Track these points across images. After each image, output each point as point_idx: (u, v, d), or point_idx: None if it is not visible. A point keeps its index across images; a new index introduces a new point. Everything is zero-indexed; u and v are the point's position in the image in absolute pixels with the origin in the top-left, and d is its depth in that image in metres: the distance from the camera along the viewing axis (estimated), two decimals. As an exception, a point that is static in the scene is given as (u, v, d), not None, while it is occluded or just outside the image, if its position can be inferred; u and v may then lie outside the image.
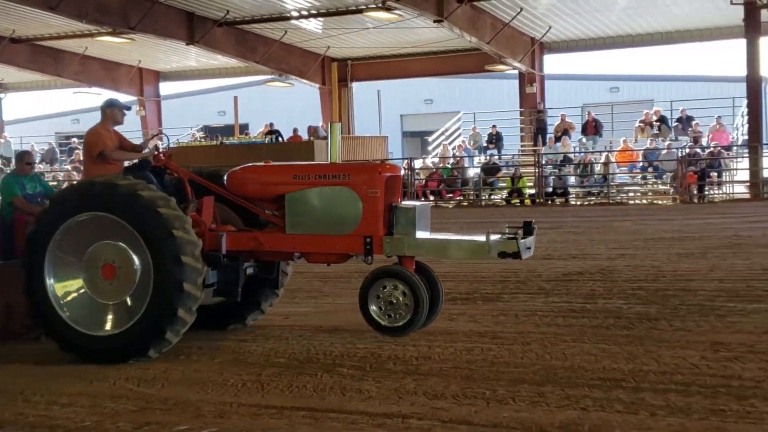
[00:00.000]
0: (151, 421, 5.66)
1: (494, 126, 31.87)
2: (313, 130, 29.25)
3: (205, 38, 28.69)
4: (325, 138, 27.80)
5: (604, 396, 5.79)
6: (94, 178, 7.58)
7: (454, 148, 31.36)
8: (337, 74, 34.57)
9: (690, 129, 28.23)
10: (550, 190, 27.02)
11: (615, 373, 6.35)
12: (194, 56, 34.34)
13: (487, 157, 29.93)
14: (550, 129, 30.83)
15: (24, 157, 10.22)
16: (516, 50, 29.92)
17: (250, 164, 8.20)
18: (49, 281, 7.39)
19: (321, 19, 28.59)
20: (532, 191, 26.96)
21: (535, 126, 31.14)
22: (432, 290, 7.59)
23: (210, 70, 38.03)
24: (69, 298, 7.45)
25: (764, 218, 17.28)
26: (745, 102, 26.22)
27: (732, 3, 24.32)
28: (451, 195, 29.29)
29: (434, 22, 25.33)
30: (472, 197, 28.62)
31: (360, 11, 26.36)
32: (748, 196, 24.29)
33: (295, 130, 31.09)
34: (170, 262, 6.99)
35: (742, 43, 24.95)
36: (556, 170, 27.79)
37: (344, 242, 7.52)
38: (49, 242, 7.36)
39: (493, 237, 7.30)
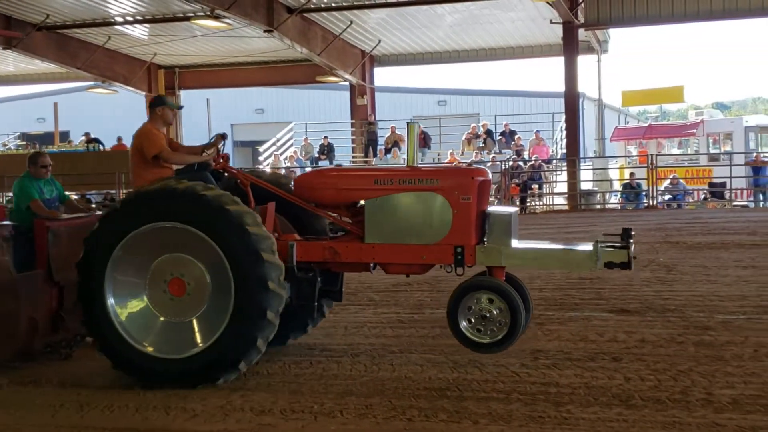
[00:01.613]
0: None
1: (326, 137, 31.99)
2: (139, 139, 28.35)
3: (24, 42, 27.34)
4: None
5: (429, 406, 5.90)
6: (172, 183, 6.75)
7: (285, 159, 31.24)
8: (164, 82, 33.72)
9: (513, 142, 29.31)
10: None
11: (440, 382, 6.49)
12: (12, 61, 32.66)
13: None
14: (381, 141, 31.27)
15: (38, 160, 9.03)
16: (347, 62, 30.17)
17: (322, 168, 7.65)
18: (110, 300, 6.66)
19: (147, 25, 27.78)
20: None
21: (366, 137, 31.48)
22: (524, 301, 6.96)
23: (29, 75, 36.19)
24: (132, 319, 6.71)
25: (581, 229, 18.10)
26: (563, 117, 27.40)
27: (551, 22, 25.45)
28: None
29: (264, 32, 25.12)
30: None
31: (187, 19, 25.82)
32: (566, 207, 25.40)
33: (119, 139, 30.12)
34: (256, 288, 6.42)
35: (560, 60, 26.11)
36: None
37: (431, 252, 6.86)
38: (111, 255, 6.64)
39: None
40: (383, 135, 31.46)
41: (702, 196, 26.70)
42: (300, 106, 43.56)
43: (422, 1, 25.46)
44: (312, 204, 7.33)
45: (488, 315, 6.67)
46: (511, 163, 26.64)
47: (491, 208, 7.10)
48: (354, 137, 32.63)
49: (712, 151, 31.19)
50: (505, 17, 27.19)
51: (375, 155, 30.35)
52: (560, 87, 26.41)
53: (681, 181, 25.96)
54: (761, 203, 25.06)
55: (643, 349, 7.36)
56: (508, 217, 6.93)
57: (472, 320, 6.70)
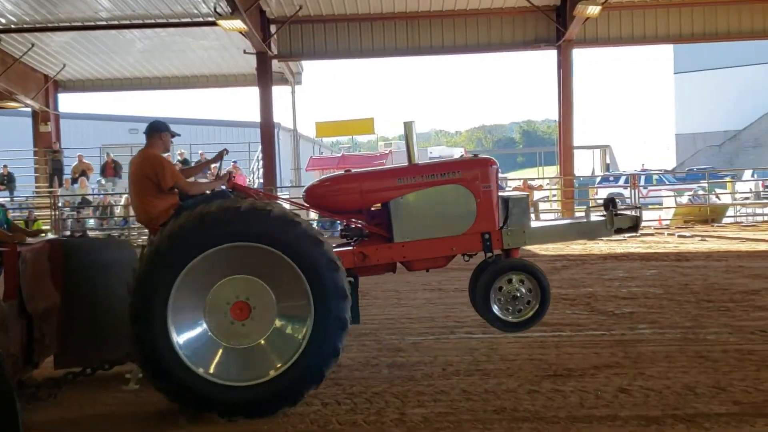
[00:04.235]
0: None
1: (5, 166, 29.80)
2: None
3: None
4: None
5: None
6: (233, 203, 6.27)
7: (-43, 190, 28.65)
8: None
9: (209, 171, 28.90)
10: (69, 233, 25.81)
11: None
12: None
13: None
14: (68, 170, 29.59)
15: None
16: (28, 87, 28.32)
17: (335, 174, 7.28)
18: (172, 329, 5.99)
19: None
20: (51, 235, 25.55)
21: (51, 166, 29.68)
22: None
23: None
24: (196, 348, 6.09)
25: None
26: (260, 147, 27.49)
27: (245, 52, 25.49)
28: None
29: (-68, 51, 23.04)
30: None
31: None
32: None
33: None
34: (336, 298, 6.13)
35: (256, 90, 26.18)
36: (75, 212, 26.69)
37: (460, 242, 7.06)
38: (175, 281, 6.00)
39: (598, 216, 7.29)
40: (70, 164, 29.81)
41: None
42: (-25, 133, 40.27)
43: (109, 25, 24.57)
44: (329, 211, 7.34)
45: (518, 294, 6.98)
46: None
47: (504, 194, 7.38)
48: (37, 166, 30.66)
49: (400, 180, 32.76)
50: (198, 45, 26.92)
51: (60, 185, 28.68)
52: (256, 116, 26.50)
53: (373, 209, 26.92)
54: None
55: (340, 373, 7.37)
56: (525, 200, 7.30)
57: (503, 301, 6.99)
